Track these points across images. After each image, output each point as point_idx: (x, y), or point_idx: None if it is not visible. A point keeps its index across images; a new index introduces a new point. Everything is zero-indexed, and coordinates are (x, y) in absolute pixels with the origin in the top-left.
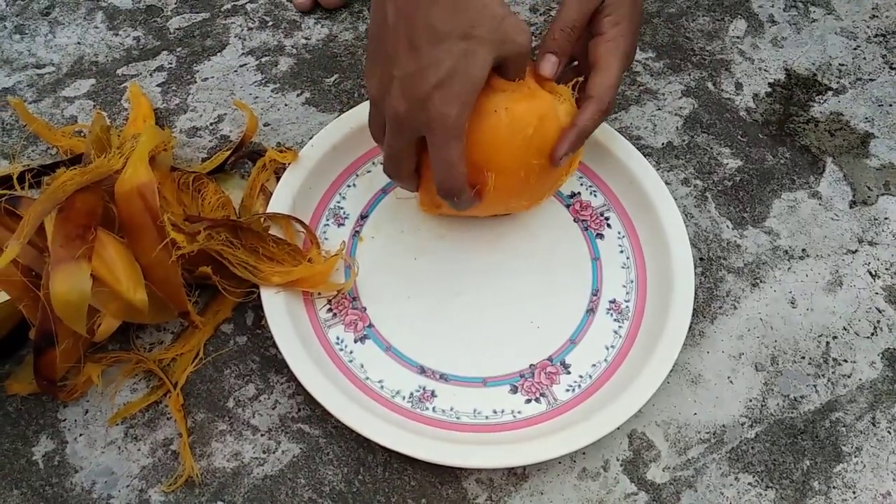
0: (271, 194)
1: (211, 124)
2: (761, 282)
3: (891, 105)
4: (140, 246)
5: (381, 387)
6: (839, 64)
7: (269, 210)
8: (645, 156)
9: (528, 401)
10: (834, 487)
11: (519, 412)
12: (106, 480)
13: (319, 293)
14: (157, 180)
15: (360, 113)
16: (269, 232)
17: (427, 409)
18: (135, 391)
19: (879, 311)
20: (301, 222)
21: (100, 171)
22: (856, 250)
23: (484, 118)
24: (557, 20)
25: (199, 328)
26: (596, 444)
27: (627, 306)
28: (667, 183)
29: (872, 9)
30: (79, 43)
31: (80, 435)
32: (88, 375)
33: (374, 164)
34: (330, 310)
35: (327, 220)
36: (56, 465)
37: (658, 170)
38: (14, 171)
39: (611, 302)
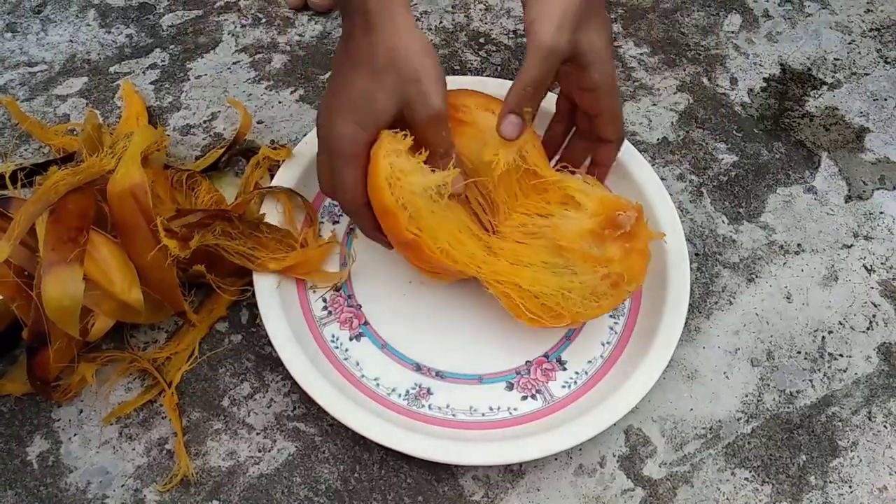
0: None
1: (204, 122)
2: (757, 277)
3: (886, 99)
4: (134, 246)
5: (377, 384)
6: (834, 58)
7: (262, 210)
8: (640, 151)
9: (524, 397)
10: (830, 482)
11: (515, 409)
12: (101, 480)
13: (315, 287)
14: (149, 180)
15: None
16: (264, 220)
17: (423, 406)
18: (129, 390)
19: (875, 306)
20: (302, 197)
21: (92, 171)
22: (851, 245)
23: None
24: (517, 79)
25: (195, 326)
26: (592, 440)
27: (623, 303)
28: (662, 178)
29: (867, 3)
30: (71, 41)
31: (75, 435)
32: (82, 375)
33: None
34: (325, 307)
35: (322, 217)
36: (50, 466)
37: (653, 165)
38: (6, 170)
39: None
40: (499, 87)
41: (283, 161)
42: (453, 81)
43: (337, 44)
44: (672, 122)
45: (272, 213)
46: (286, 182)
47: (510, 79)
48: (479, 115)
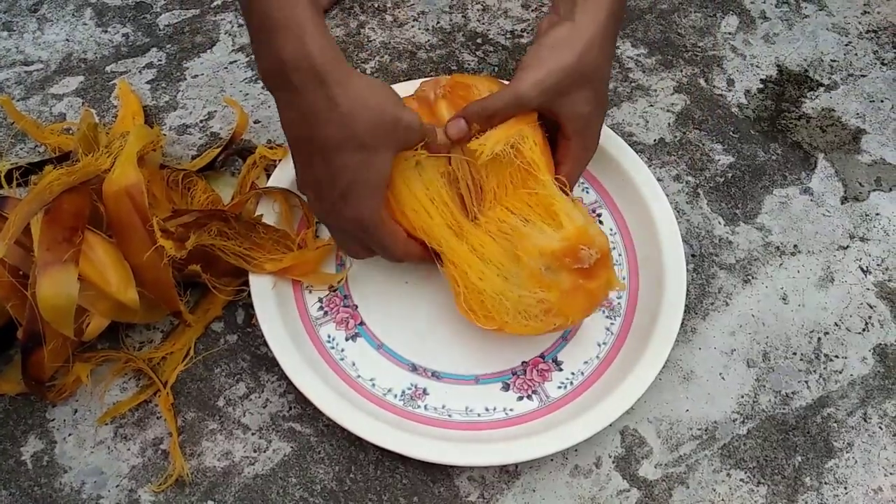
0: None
1: (201, 121)
2: (753, 278)
3: (882, 101)
4: (129, 246)
5: (373, 385)
6: (831, 60)
7: (258, 210)
8: (637, 152)
9: (521, 398)
10: (825, 483)
11: (511, 409)
12: (95, 480)
13: (311, 288)
14: (145, 179)
15: None
16: (261, 221)
17: (419, 406)
18: (124, 390)
19: (871, 307)
20: (299, 197)
21: (87, 170)
22: (847, 246)
23: None
24: (485, 99)
25: (191, 326)
26: (588, 441)
27: (619, 303)
28: (659, 179)
29: (864, 5)
30: (67, 40)
31: (69, 435)
32: (77, 375)
33: None
34: (321, 308)
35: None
36: (45, 466)
37: (650, 166)
38: (2, 169)
39: None
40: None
41: (280, 161)
42: None
43: (282, 119)
44: (669, 123)
45: (269, 214)
46: (282, 182)
47: (507, 79)
48: (485, 92)
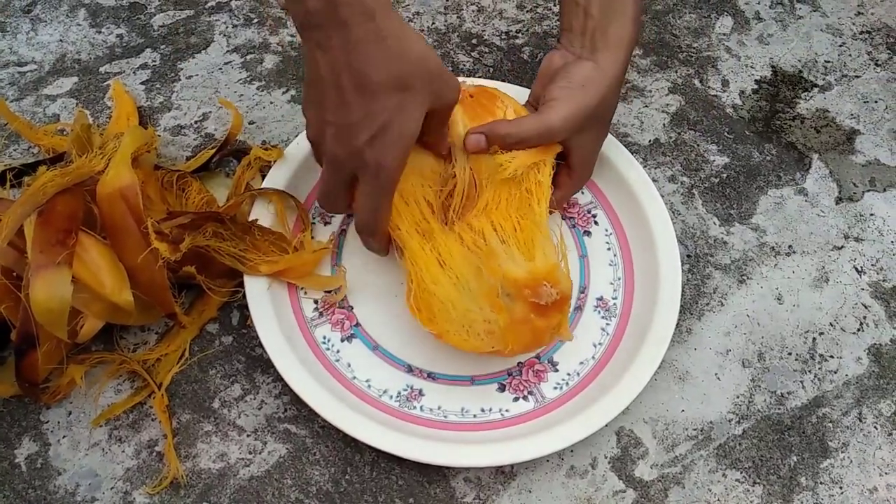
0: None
1: (195, 122)
2: (748, 278)
3: (876, 102)
4: (123, 248)
5: (369, 386)
6: (825, 61)
7: (253, 211)
8: (632, 153)
9: (516, 399)
10: (821, 483)
11: (507, 410)
12: (90, 483)
13: (306, 292)
14: (139, 181)
15: None
16: (257, 223)
17: (415, 408)
18: (119, 392)
19: (865, 307)
20: (294, 198)
21: (81, 172)
22: (842, 246)
23: None
24: (511, 123)
25: (186, 328)
26: (584, 441)
27: (615, 303)
28: (654, 180)
29: (858, 6)
30: (61, 40)
31: (64, 437)
32: (71, 377)
33: None
34: (316, 309)
35: (313, 218)
36: (39, 468)
37: (645, 167)
38: None
39: (598, 299)
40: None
41: (275, 162)
42: None
43: (313, 67)
44: (664, 124)
45: (264, 215)
46: (278, 183)
47: (502, 80)
48: (509, 111)
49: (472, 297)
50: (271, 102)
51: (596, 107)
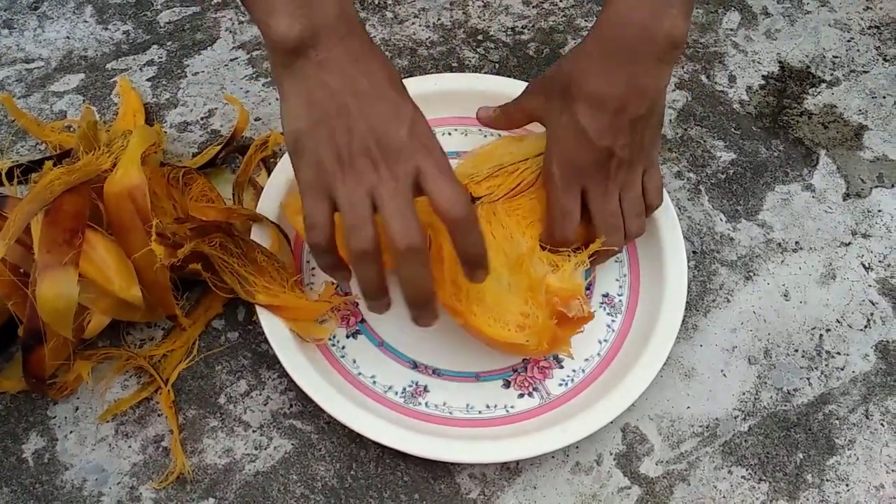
0: (261, 189)
1: (201, 119)
2: (755, 275)
3: (884, 97)
4: (129, 247)
5: (374, 382)
6: (833, 56)
7: (259, 203)
8: None
9: (521, 395)
10: (827, 480)
11: (512, 407)
12: (96, 478)
13: (311, 285)
14: (147, 179)
15: None
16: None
17: (420, 404)
18: (125, 388)
19: (873, 304)
20: (286, 238)
21: (88, 170)
22: (849, 243)
23: None
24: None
25: (185, 330)
26: (589, 438)
27: (620, 300)
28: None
29: (866, 1)
30: (68, 37)
31: (71, 432)
32: (78, 372)
33: None
34: None
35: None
36: (46, 463)
37: None
38: (2, 168)
39: (604, 296)
40: (496, 85)
41: (279, 159)
42: (452, 79)
43: (299, 102)
44: (670, 120)
45: (262, 237)
46: (277, 190)
47: (508, 76)
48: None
49: (509, 288)
50: (277, 99)
51: (554, 74)
